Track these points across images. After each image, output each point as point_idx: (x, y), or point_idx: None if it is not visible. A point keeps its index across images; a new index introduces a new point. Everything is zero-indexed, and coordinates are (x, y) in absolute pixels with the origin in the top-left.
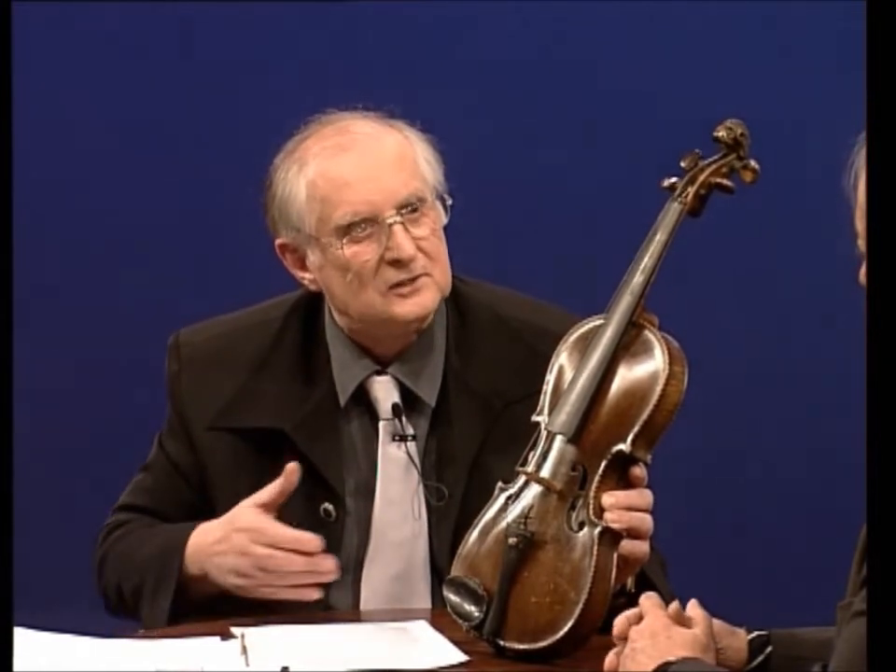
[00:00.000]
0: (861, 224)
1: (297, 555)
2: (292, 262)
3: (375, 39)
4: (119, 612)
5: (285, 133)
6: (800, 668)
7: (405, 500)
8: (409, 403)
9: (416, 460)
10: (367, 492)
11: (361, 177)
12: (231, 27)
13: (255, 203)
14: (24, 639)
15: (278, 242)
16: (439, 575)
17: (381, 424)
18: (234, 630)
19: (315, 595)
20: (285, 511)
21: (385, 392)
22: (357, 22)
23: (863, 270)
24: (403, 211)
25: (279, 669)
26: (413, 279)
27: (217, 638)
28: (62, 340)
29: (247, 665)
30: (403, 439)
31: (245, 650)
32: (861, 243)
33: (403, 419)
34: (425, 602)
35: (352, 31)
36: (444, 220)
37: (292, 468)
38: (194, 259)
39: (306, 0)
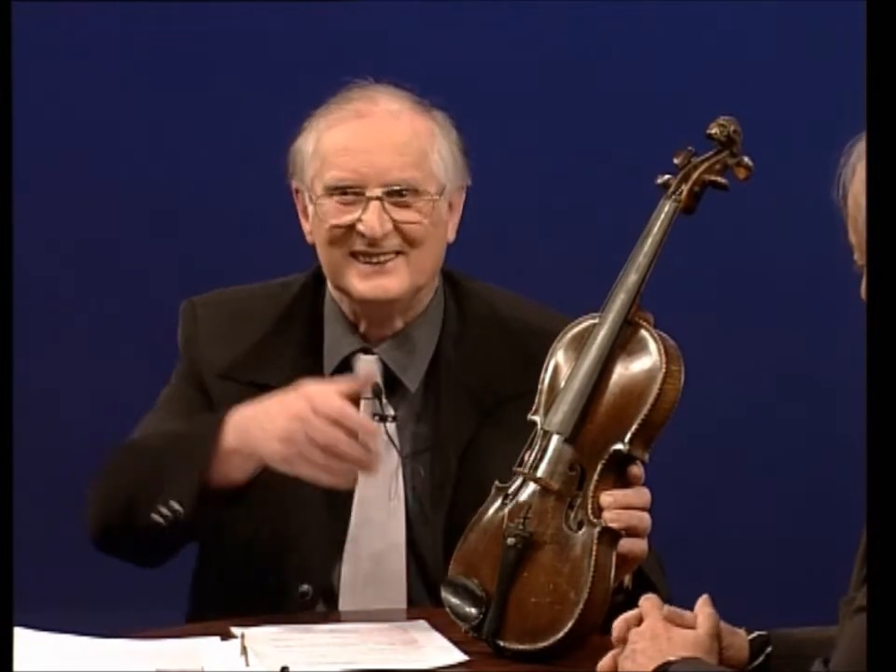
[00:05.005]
0: (854, 237)
1: (349, 436)
2: (301, 209)
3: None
4: (110, 536)
5: None
6: (800, 668)
7: (385, 480)
8: (392, 386)
9: (396, 441)
10: None
11: (359, 147)
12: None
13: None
14: (24, 639)
15: (293, 185)
16: (419, 562)
17: (361, 402)
18: (234, 630)
19: (344, 483)
20: (270, 485)
21: (368, 371)
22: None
23: (864, 285)
24: (389, 192)
25: (279, 669)
26: (381, 254)
27: (217, 638)
28: (63, 338)
29: (247, 665)
30: (383, 419)
31: (245, 650)
32: (858, 255)
33: (383, 400)
34: (401, 585)
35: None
36: (446, 219)
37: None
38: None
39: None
